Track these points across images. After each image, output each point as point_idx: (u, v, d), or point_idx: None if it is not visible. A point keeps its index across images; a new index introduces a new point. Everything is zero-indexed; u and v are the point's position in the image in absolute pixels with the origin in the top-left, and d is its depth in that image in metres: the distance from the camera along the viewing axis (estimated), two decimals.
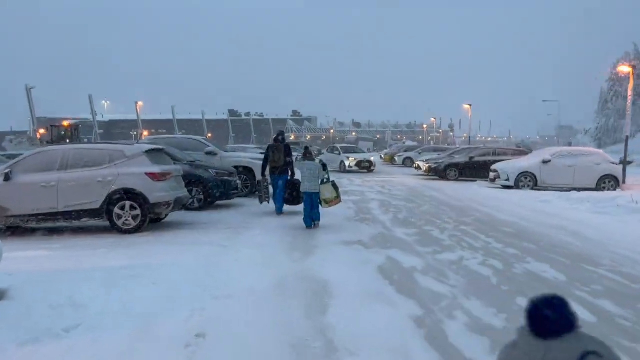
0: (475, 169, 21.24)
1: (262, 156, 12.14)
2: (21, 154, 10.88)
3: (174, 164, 10.33)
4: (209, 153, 13.92)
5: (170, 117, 68.84)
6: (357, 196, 14.93)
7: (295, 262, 6.70)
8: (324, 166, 9.94)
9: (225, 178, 11.94)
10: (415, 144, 54.89)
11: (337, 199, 9.86)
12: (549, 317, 1.51)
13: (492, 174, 18.30)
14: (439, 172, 22.10)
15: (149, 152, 9.31)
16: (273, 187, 11.37)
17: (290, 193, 10.82)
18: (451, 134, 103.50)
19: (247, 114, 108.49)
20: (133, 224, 8.85)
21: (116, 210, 8.81)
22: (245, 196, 13.89)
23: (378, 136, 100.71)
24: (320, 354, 3.79)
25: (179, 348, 3.89)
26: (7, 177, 8.71)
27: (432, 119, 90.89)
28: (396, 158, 37.77)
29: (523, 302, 4.92)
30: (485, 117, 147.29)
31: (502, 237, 8.47)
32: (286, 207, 11.08)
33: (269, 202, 11.57)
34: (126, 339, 4.09)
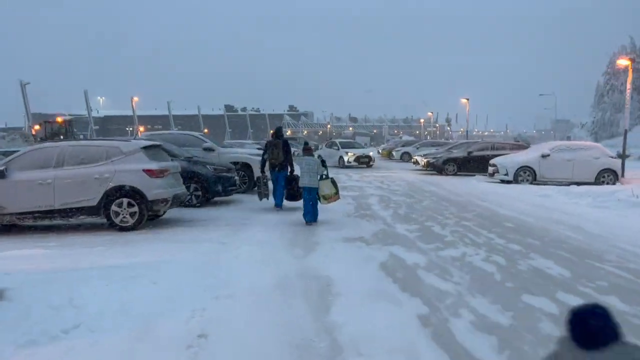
0: (473, 164, 21.18)
1: (260, 152, 12.05)
2: (14, 151, 10.75)
3: (172, 160, 10.22)
4: (206, 149, 13.81)
5: (166, 112, 68.61)
6: (356, 191, 14.86)
7: (297, 260, 6.61)
8: (323, 162, 9.87)
9: (224, 174, 11.85)
10: (412, 138, 54.84)
11: (336, 195, 9.83)
12: (593, 327, 1.44)
13: (491, 169, 18.25)
14: (437, 167, 22.03)
15: (146, 148, 9.20)
16: (273, 183, 11.29)
17: (290, 189, 10.76)
18: (448, 128, 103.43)
19: (244, 109, 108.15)
20: (131, 221, 8.75)
21: (113, 207, 8.71)
22: (244, 192, 13.81)
23: (375, 131, 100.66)
24: (325, 354, 3.71)
25: (181, 349, 3.81)
26: (3, 175, 8.58)
27: (429, 114, 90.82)
28: (394, 153, 37.74)
29: (529, 299, 4.88)
30: (481, 111, 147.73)
31: (504, 232, 8.41)
32: (285, 203, 11.02)
33: (268, 199, 11.50)
34: (126, 340, 4.00)
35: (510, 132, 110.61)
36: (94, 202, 8.68)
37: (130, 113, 61.66)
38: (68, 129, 37.25)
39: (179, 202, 9.65)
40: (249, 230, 8.71)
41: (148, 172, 8.79)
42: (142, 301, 4.84)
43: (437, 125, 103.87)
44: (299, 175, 9.91)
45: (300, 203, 9.94)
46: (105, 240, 7.96)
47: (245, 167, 14.08)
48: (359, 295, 5.06)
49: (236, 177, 12.44)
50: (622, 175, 17.48)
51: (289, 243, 7.68)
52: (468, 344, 3.86)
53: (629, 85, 19.40)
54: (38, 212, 8.72)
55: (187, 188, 10.66)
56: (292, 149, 12.49)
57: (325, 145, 31.64)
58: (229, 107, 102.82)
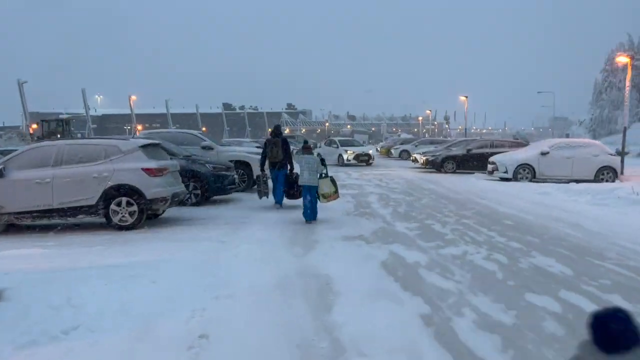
0: (472, 161, 21.17)
1: (259, 150, 12.01)
2: (10, 150, 10.69)
3: (170, 158, 10.17)
4: (205, 147, 13.76)
5: (164, 111, 68.58)
6: (355, 190, 14.82)
7: (297, 258, 6.58)
8: (322, 161, 9.85)
9: (223, 173, 11.80)
10: (410, 136, 54.86)
11: (335, 194, 9.81)
12: (615, 331, 1.42)
13: (490, 166, 18.22)
14: (436, 165, 22.01)
15: (144, 147, 9.15)
16: (272, 181, 11.26)
17: (290, 186, 10.74)
18: (446, 126, 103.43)
19: (242, 108, 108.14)
20: (130, 220, 8.71)
21: (112, 206, 8.67)
22: (243, 191, 13.77)
23: (373, 129, 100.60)
24: (327, 355, 3.68)
25: (182, 350, 3.78)
26: (1, 174, 8.54)
27: (428, 111, 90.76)
28: (392, 151, 37.72)
29: (531, 298, 4.85)
30: (480, 109, 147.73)
31: (504, 230, 8.38)
32: (285, 201, 11.01)
33: (268, 197, 11.47)
34: (127, 340, 3.97)
35: (508, 129, 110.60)
36: (93, 201, 8.63)
37: (128, 112, 61.55)
38: (65, 128, 37.14)
39: (178, 201, 9.61)
40: (249, 229, 8.67)
41: (147, 170, 8.75)
42: (142, 301, 4.81)
43: (436, 123, 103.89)
44: (299, 173, 9.89)
45: (299, 201, 9.91)
46: (104, 240, 7.92)
47: (244, 165, 14.03)
48: (359, 294, 5.03)
49: (235, 176, 12.39)
50: (622, 173, 17.46)
51: (288, 242, 7.65)
52: (471, 344, 3.83)
53: (628, 82, 19.37)
54: (36, 211, 8.68)
55: (186, 187, 10.61)
56: (291, 147, 12.45)
57: (325, 144, 31.36)
58: (227, 106, 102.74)
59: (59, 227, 9.21)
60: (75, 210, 8.72)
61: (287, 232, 8.38)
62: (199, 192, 11.51)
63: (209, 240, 7.70)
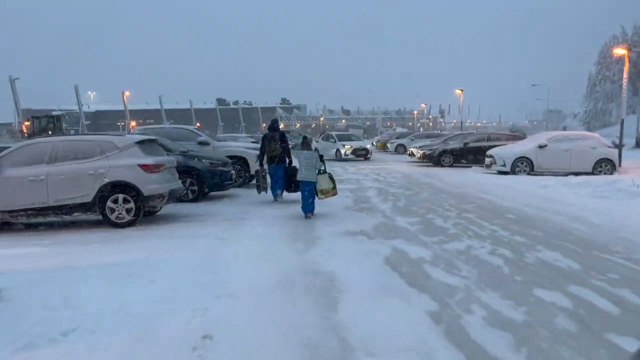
0: (470, 155, 21.11)
1: (255, 145, 11.88)
2: (2, 147, 10.47)
3: (167, 154, 10.01)
4: (201, 143, 13.58)
5: (157, 106, 68.06)
6: (353, 184, 14.72)
7: (298, 255, 6.45)
8: (321, 157, 9.75)
9: (220, 168, 11.64)
10: (405, 130, 54.71)
11: (334, 190, 9.76)
12: None
13: (487, 160, 18.15)
14: (433, 159, 21.92)
15: (140, 142, 8.99)
16: (271, 176, 11.15)
17: (289, 180, 10.65)
18: (441, 120, 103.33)
19: (236, 103, 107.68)
20: (127, 217, 8.56)
21: (109, 203, 8.52)
22: (240, 186, 13.64)
23: (368, 123, 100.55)
24: (336, 355, 3.57)
25: (185, 351, 3.65)
26: None
27: (423, 105, 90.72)
28: (388, 145, 37.62)
29: (540, 293, 4.76)
30: (474, 103, 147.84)
31: (507, 224, 8.29)
32: (285, 195, 10.96)
33: (266, 192, 11.35)
34: (127, 341, 3.84)
35: (503, 123, 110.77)
36: (89, 199, 8.47)
37: (121, 108, 61.10)
38: (56, 125, 36.70)
39: (175, 197, 9.46)
40: (248, 225, 8.55)
41: (143, 167, 8.59)
42: (142, 301, 4.69)
43: (430, 117, 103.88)
44: (297, 167, 9.82)
45: (298, 196, 9.82)
46: (101, 237, 7.77)
47: (241, 161, 13.88)
48: (364, 292, 4.91)
49: (232, 171, 12.25)
50: (619, 165, 17.43)
51: (289, 238, 7.52)
52: (483, 341, 3.72)
53: (625, 75, 19.32)
54: (31, 209, 8.51)
55: (183, 183, 10.46)
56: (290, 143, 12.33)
57: (322, 138, 30.90)
58: (220, 101, 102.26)
59: (55, 225, 9.05)
60: (71, 208, 8.56)
61: (286, 228, 8.26)
62: (196, 188, 11.36)
63: (208, 237, 7.57)
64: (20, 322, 4.15)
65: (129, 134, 10.92)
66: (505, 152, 17.77)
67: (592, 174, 15.99)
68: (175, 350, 3.69)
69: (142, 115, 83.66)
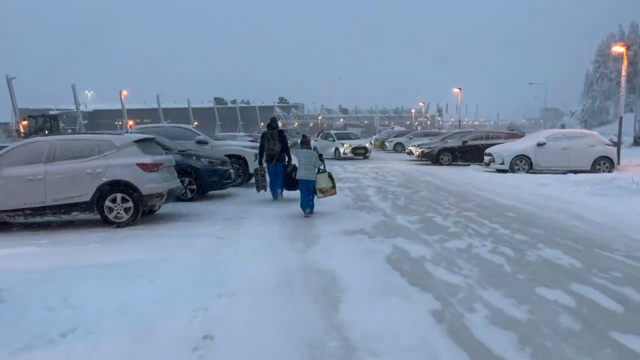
0: (468, 153, 21.07)
1: (254, 144, 11.85)
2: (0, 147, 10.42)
3: (165, 153, 9.96)
4: (199, 142, 13.53)
5: (155, 105, 67.80)
6: (352, 183, 14.69)
7: (298, 254, 6.42)
8: (320, 156, 9.72)
9: (218, 167, 11.59)
10: (403, 129, 54.72)
11: (333, 189, 9.73)
12: None
13: (486, 158, 18.12)
14: (432, 157, 21.89)
15: (139, 141, 8.94)
16: (270, 174, 11.12)
17: (289, 178, 10.62)
18: (439, 118, 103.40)
19: (233, 102, 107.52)
20: (125, 217, 8.52)
21: (107, 203, 8.47)
22: (239, 185, 13.60)
23: (366, 122, 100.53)
24: (339, 355, 3.53)
25: (186, 351, 3.62)
26: None
27: (420, 104, 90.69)
28: (387, 144, 37.59)
29: (543, 292, 4.73)
30: (471, 101, 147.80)
31: (507, 222, 8.27)
32: (285, 193, 10.92)
33: (265, 190, 11.32)
34: (127, 342, 3.81)
35: (500, 121, 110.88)
36: (87, 198, 8.42)
37: (118, 107, 60.85)
38: (53, 124, 36.57)
39: (174, 196, 9.41)
40: (247, 224, 8.51)
41: (142, 166, 8.54)
42: (142, 301, 4.65)
43: (428, 115, 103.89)
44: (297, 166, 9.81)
45: (297, 195, 9.80)
46: (99, 237, 7.73)
47: (240, 159, 13.84)
48: (366, 291, 4.88)
49: (231, 170, 12.20)
50: (618, 163, 17.43)
51: (288, 237, 7.49)
52: (486, 341, 3.70)
53: (624, 72, 19.31)
54: (29, 209, 8.46)
55: (182, 182, 10.41)
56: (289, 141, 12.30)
57: (321, 137, 30.65)
58: (218, 100, 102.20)
59: (54, 225, 9.00)
60: (69, 207, 8.51)
61: (286, 227, 8.22)
62: (194, 187, 11.32)
63: (208, 236, 7.53)
64: (20, 323, 4.12)
65: (127, 133, 10.86)
66: (504, 150, 17.74)
67: (591, 171, 15.97)
68: (175, 350, 3.65)
69: (140, 115, 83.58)
